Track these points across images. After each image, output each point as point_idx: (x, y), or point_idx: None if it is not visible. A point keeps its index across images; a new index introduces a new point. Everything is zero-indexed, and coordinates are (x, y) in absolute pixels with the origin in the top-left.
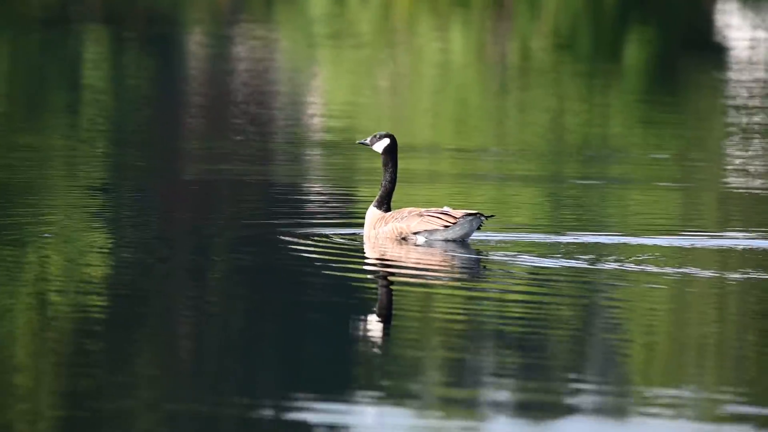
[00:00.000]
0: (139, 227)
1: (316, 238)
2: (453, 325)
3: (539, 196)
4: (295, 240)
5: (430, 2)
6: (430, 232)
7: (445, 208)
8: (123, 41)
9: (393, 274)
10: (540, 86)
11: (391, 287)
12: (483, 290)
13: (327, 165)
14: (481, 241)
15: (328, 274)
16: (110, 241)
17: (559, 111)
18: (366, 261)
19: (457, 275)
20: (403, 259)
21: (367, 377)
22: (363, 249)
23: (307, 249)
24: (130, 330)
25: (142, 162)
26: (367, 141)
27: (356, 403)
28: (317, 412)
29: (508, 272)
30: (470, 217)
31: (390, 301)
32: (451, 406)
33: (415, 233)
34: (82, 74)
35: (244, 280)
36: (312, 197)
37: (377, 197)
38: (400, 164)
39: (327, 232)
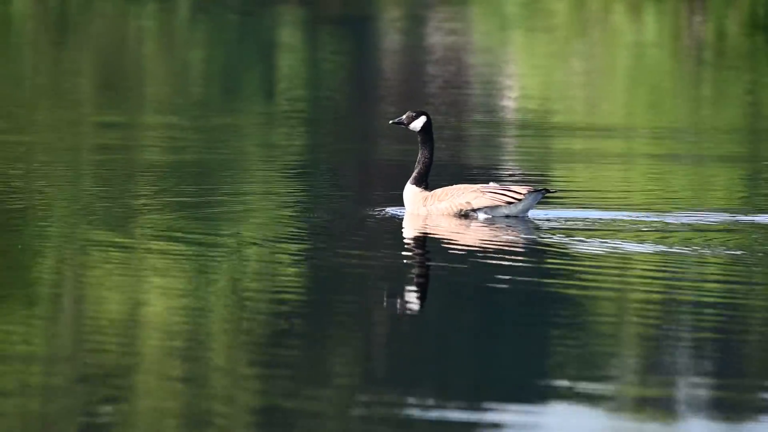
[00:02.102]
0: (333, 209)
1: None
2: (636, 315)
3: (735, 176)
4: (484, 225)
5: None
6: (492, 208)
7: (491, 184)
8: (318, 23)
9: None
10: (735, 67)
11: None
12: (659, 277)
13: (521, 146)
14: (667, 224)
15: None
16: (304, 223)
17: (755, 92)
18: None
19: (626, 260)
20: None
21: (559, 374)
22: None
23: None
24: (321, 319)
25: (337, 142)
26: (403, 119)
27: (544, 402)
28: (506, 413)
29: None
30: (534, 193)
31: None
32: (637, 404)
33: (475, 210)
34: (277, 56)
35: (430, 267)
36: (505, 179)
37: (414, 174)
38: (599, 144)
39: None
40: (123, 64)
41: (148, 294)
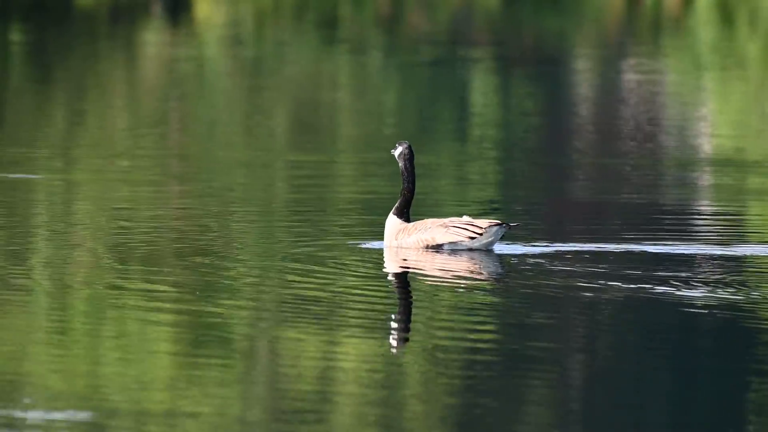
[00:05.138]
0: (526, 246)
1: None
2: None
3: None
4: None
5: None
6: (455, 243)
7: (465, 218)
8: (510, 64)
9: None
10: None
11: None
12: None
13: (716, 185)
14: None
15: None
16: (495, 260)
17: None
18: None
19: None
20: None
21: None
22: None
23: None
24: (516, 361)
25: (530, 181)
26: (393, 150)
27: None
28: None
29: None
30: (496, 227)
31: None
32: None
33: (439, 245)
34: (469, 96)
35: (626, 306)
36: (699, 217)
37: (396, 206)
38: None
39: (714, 252)
40: (316, 107)
41: (344, 336)
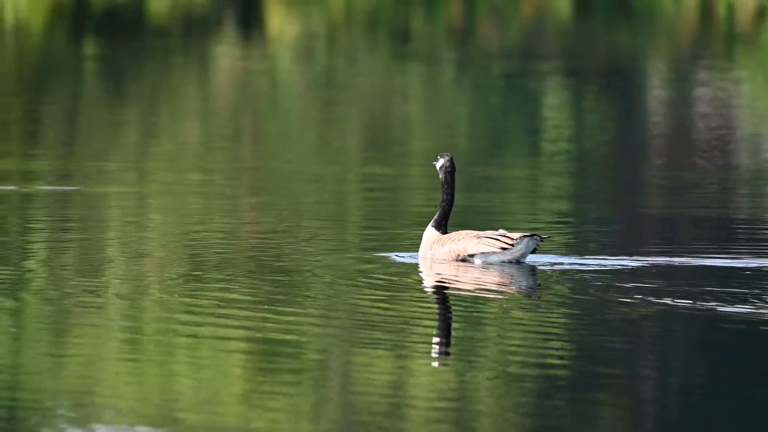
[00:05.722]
0: (600, 260)
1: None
2: None
3: None
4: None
5: None
6: (487, 254)
7: (501, 231)
8: (582, 79)
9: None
10: None
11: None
12: None
13: None
14: None
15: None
16: (565, 274)
17: None
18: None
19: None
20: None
21: None
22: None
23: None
24: (585, 380)
25: (604, 194)
26: (435, 162)
27: None
28: None
29: None
30: (527, 239)
31: None
32: None
33: (471, 255)
34: (541, 111)
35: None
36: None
37: (435, 218)
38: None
39: None
40: (388, 120)
41: (410, 353)
